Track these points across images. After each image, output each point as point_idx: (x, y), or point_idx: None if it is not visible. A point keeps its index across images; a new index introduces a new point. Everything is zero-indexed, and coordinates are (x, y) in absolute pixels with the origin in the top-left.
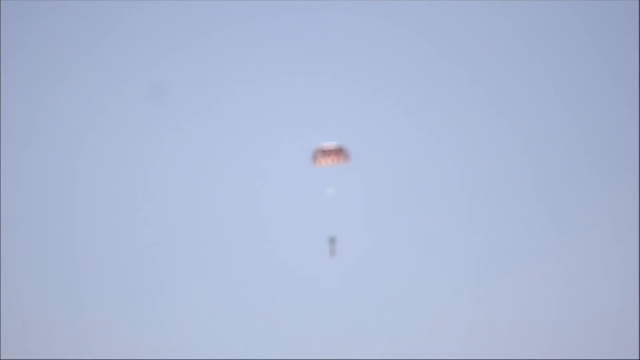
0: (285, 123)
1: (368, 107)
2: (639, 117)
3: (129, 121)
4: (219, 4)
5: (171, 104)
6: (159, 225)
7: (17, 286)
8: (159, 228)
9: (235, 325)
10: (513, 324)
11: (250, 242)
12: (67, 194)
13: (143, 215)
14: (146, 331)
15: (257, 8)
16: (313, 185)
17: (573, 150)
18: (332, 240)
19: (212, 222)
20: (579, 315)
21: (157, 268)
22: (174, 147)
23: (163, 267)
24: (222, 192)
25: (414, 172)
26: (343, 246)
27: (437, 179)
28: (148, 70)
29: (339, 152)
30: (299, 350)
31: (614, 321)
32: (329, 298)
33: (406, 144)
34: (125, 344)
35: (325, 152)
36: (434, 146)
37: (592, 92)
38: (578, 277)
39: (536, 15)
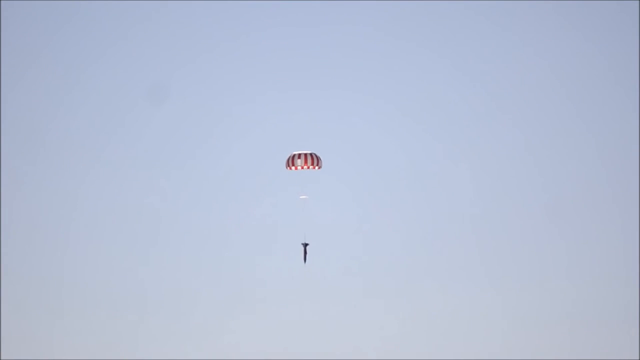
0: (260, 126)
1: (343, 113)
2: (639, 117)
3: (125, 122)
4: (218, 4)
5: (165, 107)
6: (146, 225)
7: (17, 286)
8: (144, 228)
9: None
10: (513, 324)
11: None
12: (67, 194)
13: (138, 214)
14: (145, 331)
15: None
16: (287, 188)
17: (571, 150)
18: (304, 246)
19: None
20: (579, 315)
21: (144, 267)
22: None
23: (152, 266)
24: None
25: (385, 177)
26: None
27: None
28: (147, 70)
29: (312, 158)
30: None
31: (613, 321)
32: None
33: (379, 150)
34: (125, 344)
35: (299, 157)
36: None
37: (593, 92)
38: (578, 277)
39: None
